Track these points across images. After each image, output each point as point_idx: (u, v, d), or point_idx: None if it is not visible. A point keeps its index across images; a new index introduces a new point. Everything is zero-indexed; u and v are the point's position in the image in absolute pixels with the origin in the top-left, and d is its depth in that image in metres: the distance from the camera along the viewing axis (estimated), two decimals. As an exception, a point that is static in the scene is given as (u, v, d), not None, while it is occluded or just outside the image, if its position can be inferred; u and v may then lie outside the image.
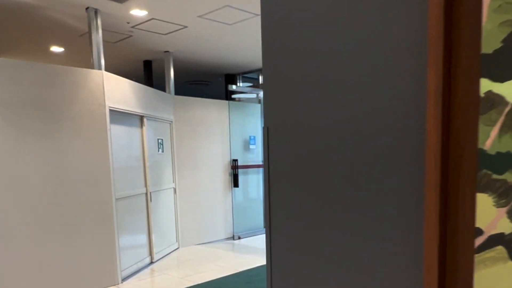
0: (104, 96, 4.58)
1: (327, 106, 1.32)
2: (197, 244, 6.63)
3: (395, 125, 1.16)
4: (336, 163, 1.30)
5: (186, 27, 5.36)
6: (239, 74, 8.22)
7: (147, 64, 7.13)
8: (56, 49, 6.26)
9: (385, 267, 1.19)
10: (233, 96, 7.74)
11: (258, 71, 7.96)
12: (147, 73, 7.19)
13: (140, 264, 5.33)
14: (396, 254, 1.16)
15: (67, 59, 6.76)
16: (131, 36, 5.75)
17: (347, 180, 1.29)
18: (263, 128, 1.52)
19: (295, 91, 1.41)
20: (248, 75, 8.33)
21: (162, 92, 6.26)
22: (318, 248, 1.40)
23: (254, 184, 7.51)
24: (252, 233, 7.24)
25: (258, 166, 7.50)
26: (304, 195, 1.40)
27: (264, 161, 1.53)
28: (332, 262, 1.37)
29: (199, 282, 4.72)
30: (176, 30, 5.52)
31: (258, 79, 8.04)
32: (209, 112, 6.86)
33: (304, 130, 1.37)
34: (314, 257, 1.42)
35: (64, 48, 6.26)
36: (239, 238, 7.02)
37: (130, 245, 5.12)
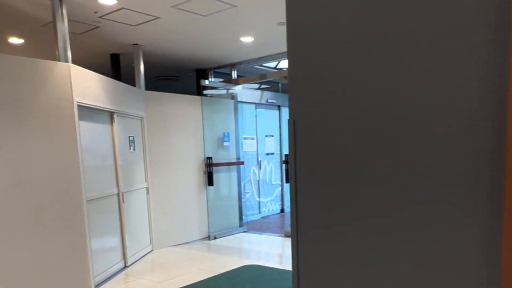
0: (71, 90, 4.25)
1: (372, 99, 1.15)
2: (172, 246, 6.36)
3: (457, 123, 1.03)
4: (383, 162, 1.14)
5: (158, 18, 5.08)
6: (210, 69, 7.97)
7: (115, 57, 6.77)
8: (15, 40, 5.81)
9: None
10: (204, 92, 7.50)
11: (231, 65, 7.74)
12: (115, 67, 6.82)
13: (114, 269, 5.02)
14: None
15: (27, 52, 6.30)
16: (98, 27, 5.40)
17: (398, 183, 1.14)
18: (289, 121, 1.34)
19: (330, 81, 1.24)
20: (220, 70, 8.10)
21: (133, 87, 5.95)
22: (353, 250, 1.25)
23: (229, 182, 7.30)
24: (228, 232, 7.04)
25: (232, 163, 7.30)
26: (338, 195, 1.23)
27: (289, 157, 1.35)
28: (371, 269, 1.22)
29: (179, 287, 4.48)
30: (147, 21, 5.23)
31: (230, 74, 7.82)
32: (182, 108, 6.59)
33: (340, 125, 1.21)
34: (347, 262, 1.26)
35: (24, 40, 5.82)
36: (215, 238, 6.81)
37: (103, 249, 4.80)
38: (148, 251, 6.01)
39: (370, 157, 1.17)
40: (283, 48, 6.74)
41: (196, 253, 5.96)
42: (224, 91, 7.70)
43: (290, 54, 1.35)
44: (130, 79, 6.28)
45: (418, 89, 1.08)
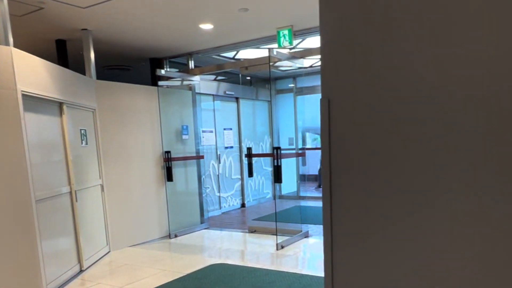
0: (14, 77, 3.77)
1: (432, 74, 0.96)
2: (131, 246, 5.95)
3: None
4: (440, 151, 0.95)
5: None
6: (166, 58, 7.55)
7: (61, 44, 6.19)
8: None
9: None
10: (160, 83, 7.08)
11: (188, 55, 7.37)
12: (61, 55, 6.24)
13: (68, 274, 4.57)
14: None
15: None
16: (42, 8, 4.86)
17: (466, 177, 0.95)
18: (321, 100, 1.12)
19: (373, 55, 1.03)
20: (176, 60, 7.70)
21: (83, 76, 5.46)
22: (394, 245, 1.06)
23: (189, 177, 6.97)
24: (189, 230, 6.72)
25: (192, 157, 6.97)
26: (379, 184, 1.04)
27: (323, 142, 1.13)
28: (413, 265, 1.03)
29: (143, 290, 4.15)
30: (98, 4, 4.77)
31: (187, 65, 7.44)
32: (137, 99, 6.17)
33: (387, 106, 1.00)
34: (388, 256, 1.06)
35: (-45, 22, 5.14)
36: (176, 236, 6.46)
37: (55, 252, 4.34)
38: (105, 253, 5.57)
39: (418, 144, 0.98)
40: (244, 36, 6.53)
41: (157, 253, 5.60)
42: (179, 82, 7.33)
43: (323, 24, 1.13)
44: (78, 69, 5.76)
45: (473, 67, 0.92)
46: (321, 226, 4.98)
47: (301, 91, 9.61)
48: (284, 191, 9.02)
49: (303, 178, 8.98)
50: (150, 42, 6.39)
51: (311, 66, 8.71)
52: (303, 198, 8.33)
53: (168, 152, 6.45)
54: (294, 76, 9.54)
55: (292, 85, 9.79)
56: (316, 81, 9.76)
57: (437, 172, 0.96)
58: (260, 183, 9.24)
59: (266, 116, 9.64)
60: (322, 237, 4.61)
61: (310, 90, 9.58)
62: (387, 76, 1.02)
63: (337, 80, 1.10)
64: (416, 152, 1.00)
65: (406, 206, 1.03)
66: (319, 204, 8.36)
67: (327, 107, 1.13)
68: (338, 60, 1.11)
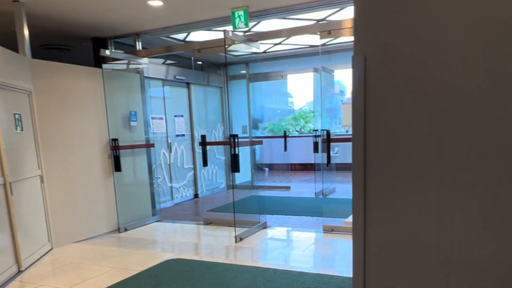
0: None
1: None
2: (76, 242, 5.41)
3: None
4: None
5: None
6: (110, 38, 6.96)
7: (-11, 18, 5.46)
8: None
9: None
10: (104, 65, 6.49)
11: (135, 35, 6.83)
12: (-11, 30, 5.51)
13: (4, 276, 4.01)
14: None
15: None
16: (-35, -28, 4.20)
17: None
18: (353, 57, 0.84)
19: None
20: (122, 40, 7.13)
21: (15, 53, 4.81)
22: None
23: (139, 166, 6.48)
24: (140, 223, 6.25)
25: (141, 146, 6.49)
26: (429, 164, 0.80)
27: (354, 106, 0.86)
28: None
29: (93, 292, 3.71)
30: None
31: (134, 46, 6.91)
32: (79, 82, 5.60)
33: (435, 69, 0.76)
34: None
35: None
36: (126, 230, 5.98)
37: (-14, 255, 3.78)
38: (46, 251, 5.01)
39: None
40: (196, 16, 6.12)
41: (106, 249, 5.13)
42: (126, 65, 6.79)
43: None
44: (10, 47, 5.09)
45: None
46: (280, 216, 4.75)
47: (254, 77, 9.35)
48: (238, 181, 8.76)
49: (257, 167, 8.76)
50: (92, 19, 5.81)
51: (264, 52, 8.47)
52: (258, 187, 8.11)
53: (115, 140, 5.94)
54: (247, 61, 9.25)
55: (245, 71, 9.50)
56: (271, 67, 9.55)
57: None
58: (213, 172, 8.91)
59: (218, 103, 9.28)
60: (281, 227, 4.38)
61: (264, 76, 9.35)
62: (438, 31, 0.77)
63: (377, 33, 0.84)
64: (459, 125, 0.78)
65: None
66: (275, 193, 8.28)
67: (362, 64, 0.86)
68: (377, 10, 0.84)
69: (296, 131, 15.13)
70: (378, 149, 0.88)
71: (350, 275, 3.78)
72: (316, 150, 7.64)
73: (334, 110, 9.63)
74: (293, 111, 19.62)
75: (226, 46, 5.79)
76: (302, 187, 9.02)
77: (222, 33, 6.97)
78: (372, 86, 0.85)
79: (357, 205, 0.97)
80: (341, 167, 10.83)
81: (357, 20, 0.84)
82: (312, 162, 9.63)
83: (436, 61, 0.78)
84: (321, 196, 7.69)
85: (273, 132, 14.90)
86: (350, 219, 2.94)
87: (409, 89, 0.80)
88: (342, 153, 10.89)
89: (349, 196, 5.26)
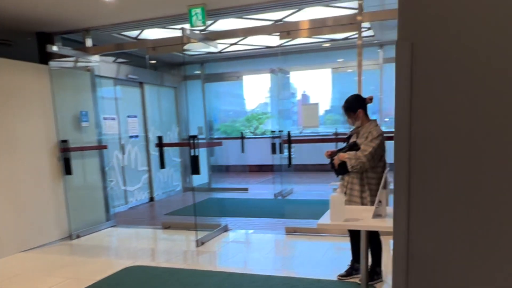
0: None
1: None
2: (22, 252, 5.00)
3: None
4: None
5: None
6: (57, 33, 6.52)
7: None
8: None
9: None
10: (51, 63, 6.06)
11: (85, 31, 6.46)
12: None
13: None
14: None
15: None
16: None
17: None
18: (398, 44, 0.74)
19: None
20: (70, 36, 6.72)
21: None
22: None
23: (91, 169, 6.12)
24: (93, 228, 5.90)
25: (94, 147, 6.14)
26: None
27: (398, 97, 0.76)
28: None
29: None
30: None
31: (84, 42, 6.53)
32: (23, 79, 5.22)
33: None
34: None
35: None
36: (78, 236, 5.62)
37: None
38: (-12, 264, 4.59)
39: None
40: (151, 13, 5.88)
41: (58, 258, 4.77)
42: (73, 63, 6.40)
43: None
44: None
45: None
46: (240, 218, 4.61)
47: (209, 77, 9.19)
48: (195, 183, 8.55)
49: (214, 169, 8.59)
50: (36, 13, 5.40)
51: (220, 52, 8.34)
52: (216, 190, 7.96)
53: (65, 141, 5.57)
54: (202, 61, 9.07)
55: (199, 71, 9.32)
56: (226, 68, 9.44)
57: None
58: (169, 175, 8.62)
59: (172, 104, 9.01)
60: (242, 230, 4.26)
61: (219, 77, 9.22)
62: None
63: (427, 17, 0.76)
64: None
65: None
66: (233, 195, 8.15)
67: (409, 51, 0.77)
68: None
69: (251, 132, 15.11)
70: (425, 149, 0.80)
71: (318, 276, 3.76)
72: (274, 151, 7.62)
73: (289, 111, 9.68)
74: (245, 113, 19.59)
75: (183, 44, 5.62)
76: (260, 189, 8.97)
77: (176, 31, 6.80)
78: (419, 77, 0.76)
79: (400, 209, 0.87)
80: (298, 168, 10.91)
81: (403, 3, 0.75)
82: (268, 163, 9.62)
83: (500, 49, 0.71)
84: (280, 197, 7.68)
85: (226, 134, 14.77)
86: (323, 220, 2.90)
87: (465, 81, 0.72)
88: (299, 154, 10.99)
89: (308, 197, 5.30)
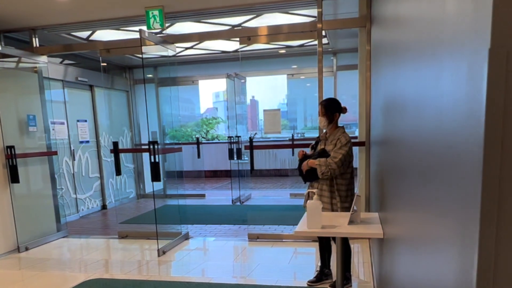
0: None
1: None
2: (-36, 269, 4.57)
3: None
4: None
5: None
6: (0, 32, 6.09)
7: None
8: None
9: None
10: (-8, 61, 5.63)
11: (31, 30, 6.07)
12: None
13: None
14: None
15: None
16: None
17: None
18: (491, 53, 0.66)
19: None
20: (15, 35, 6.29)
21: None
22: None
23: (39, 176, 5.73)
24: (43, 240, 5.52)
25: (43, 154, 5.76)
26: None
27: (487, 121, 0.68)
28: None
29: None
30: None
31: (30, 42, 6.13)
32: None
33: None
34: None
35: None
36: (27, 249, 5.22)
37: None
38: None
39: None
40: (105, 13, 5.65)
41: (5, 273, 4.41)
42: (15, 64, 6.00)
43: None
44: None
45: None
46: (200, 226, 4.56)
47: (163, 81, 8.97)
48: (149, 189, 8.28)
49: (168, 175, 8.36)
50: (-23, 8, 5.01)
51: (175, 56, 8.18)
52: (172, 196, 7.76)
53: (11, 147, 5.19)
54: (155, 65, 8.84)
55: (152, 75, 9.07)
56: (181, 72, 9.26)
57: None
58: (122, 181, 8.29)
59: (124, 108, 8.69)
60: (204, 238, 4.19)
61: (173, 81, 9.02)
62: None
63: None
64: None
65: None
66: (191, 202, 7.95)
67: (504, 62, 0.68)
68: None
69: (203, 137, 14.95)
70: None
71: (289, 283, 3.75)
72: (231, 157, 7.57)
73: (243, 116, 9.68)
74: (195, 118, 19.37)
75: (141, 47, 5.44)
76: (217, 195, 8.86)
77: (130, 33, 6.58)
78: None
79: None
80: (254, 174, 10.92)
81: (497, 4, 0.68)
82: (223, 168, 9.55)
83: None
84: (238, 203, 7.62)
85: (175, 139, 14.49)
86: (300, 228, 2.90)
87: None
88: (254, 159, 11.00)
89: (266, 202, 5.31)
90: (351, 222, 2.93)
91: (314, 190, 3.01)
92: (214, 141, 13.96)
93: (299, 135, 12.65)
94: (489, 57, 0.68)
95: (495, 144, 0.69)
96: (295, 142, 8.04)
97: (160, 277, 4.14)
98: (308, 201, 2.87)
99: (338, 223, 2.95)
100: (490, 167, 0.70)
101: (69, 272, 4.42)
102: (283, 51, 8.23)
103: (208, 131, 15.44)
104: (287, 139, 8.97)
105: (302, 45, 7.79)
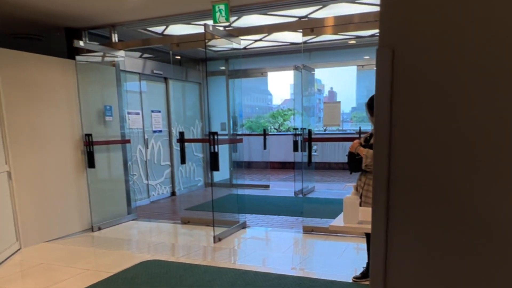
0: None
1: None
2: (47, 242, 5.15)
3: None
4: None
5: None
6: (84, 29, 6.66)
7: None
8: None
9: None
10: (78, 57, 6.19)
11: (111, 26, 6.56)
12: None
13: (-35, 282, 3.75)
14: None
15: None
16: None
17: None
18: (378, 51, 0.68)
19: None
20: (97, 32, 6.85)
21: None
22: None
23: (113, 163, 6.24)
24: (114, 221, 6.02)
25: (117, 142, 6.25)
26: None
27: (378, 113, 0.69)
28: None
29: (64, 296, 3.50)
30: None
31: (110, 38, 6.64)
32: (51, 74, 5.35)
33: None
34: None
35: None
36: (99, 229, 5.75)
37: None
38: (14, 251, 4.74)
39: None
40: (175, 9, 5.91)
41: (78, 249, 4.90)
42: (100, 58, 6.53)
43: None
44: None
45: None
46: (259, 216, 4.56)
47: (234, 74, 9.19)
48: (216, 179, 8.59)
49: (235, 165, 8.60)
50: (66, 8, 5.52)
51: (245, 48, 8.32)
52: (237, 186, 7.96)
53: (89, 135, 5.70)
54: (226, 57, 9.07)
55: (224, 67, 9.33)
56: (251, 64, 9.41)
57: None
58: (191, 170, 8.71)
59: (196, 99, 9.08)
60: (260, 227, 4.21)
61: (243, 73, 9.19)
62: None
63: (409, 21, 0.71)
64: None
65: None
66: (255, 192, 8.14)
67: (389, 58, 0.73)
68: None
69: (275, 129, 15.07)
70: (406, 159, 0.74)
71: (332, 278, 3.70)
72: (296, 149, 7.56)
73: (313, 108, 9.59)
74: (271, 109, 19.55)
75: (206, 41, 5.62)
76: (281, 186, 8.94)
77: (201, 27, 6.81)
78: (401, 87, 0.71)
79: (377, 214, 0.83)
80: (320, 166, 10.81)
81: (384, 4, 0.71)
82: (291, 160, 9.57)
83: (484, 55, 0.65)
84: (300, 196, 7.62)
85: (251, 130, 14.78)
86: (336, 222, 2.85)
87: (446, 89, 0.67)
88: (321, 152, 10.88)
89: (329, 195, 5.20)
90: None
91: (353, 185, 2.92)
92: (283, 133, 14.00)
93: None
94: (376, 56, 0.68)
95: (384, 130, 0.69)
96: (363, 136, 7.79)
97: (211, 263, 4.31)
98: (346, 196, 2.80)
99: (378, 222, 2.84)
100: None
101: (132, 252, 4.79)
102: (353, 41, 7.97)
103: (282, 122, 15.52)
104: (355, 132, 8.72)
105: (373, 35, 7.49)
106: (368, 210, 3.12)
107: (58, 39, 6.80)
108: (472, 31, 0.64)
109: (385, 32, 0.70)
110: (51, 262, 4.42)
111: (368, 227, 2.82)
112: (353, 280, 3.70)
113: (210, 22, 5.62)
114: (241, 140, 6.92)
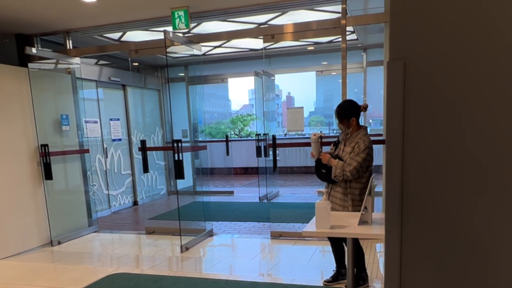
0: None
1: None
2: (2, 259, 4.87)
3: None
4: None
5: None
6: (37, 35, 6.39)
7: None
8: None
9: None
10: (30, 65, 5.91)
11: (65, 33, 6.33)
12: None
13: None
14: None
15: None
16: None
17: None
18: (390, 64, 0.68)
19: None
20: (50, 38, 6.59)
21: None
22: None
23: (72, 174, 6.00)
24: (75, 234, 5.78)
25: (76, 152, 6.02)
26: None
27: (389, 124, 0.71)
28: None
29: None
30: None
31: (64, 44, 6.40)
32: (1, 82, 5.09)
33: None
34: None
35: None
36: (59, 243, 5.50)
37: None
38: (-36, 273, 4.45)
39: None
40: (133, 15, 5.80)
41: (38, 266, 4.66)
42: (54, 65, 6.28)
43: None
44: None
45: None
46: (225, 223, 4.58)
47: (193, 80, 9.12)
48: (179, 186, 8.45)
49: (198, 172, 8.50)
50: (16, 14, 5.28)
51: (204, 54, 8.28)
52: (201, 193, 7.87)
53: (45, 146, 5.45)
54: (186, 64, 8.99)
55: (183, 74, 9.24)
56: (211, 70, 9.38)
57: None
58: (153, 178, 8.52)
59: (156, 106, 8.92)
60: (228, 235, 4.22)
61: (203, 79, 9.14)
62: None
63: (420, 34, 0.72)
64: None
65: None
66: (219, 198, 8.08)
67: (401, 72, 0.73)
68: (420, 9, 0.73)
69: (236, 134, 15.07)
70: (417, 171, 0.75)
71: (304, 282, 3.74)
72: (259, 154, 7.59)
73: (273, 113, 9.66)
74: (230, 114, 19.55)
75: (167, 47, 5.55)
76: (246, 192, 8.93)
77: (160, 33, 6.70)
78: (412, 100, 0.72)
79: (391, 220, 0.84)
80: (282, 171, 10.90)
81: (393, 12, 0.72)
82: (254, 166, 9.59)
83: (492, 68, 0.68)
84: (265, 201, 7.65)
85: (211, 136, 14.70)
86: (308, 228, 2.89)
87: (457, 102, 0.69)
88: (283, 156, 10.99)
89: (294, 200, 5.25)
90: (362, 222, 2.88)
91: (324, 190, 2.97)
92: (244, 138, 14.03)
93: (335, 131, 12.48)
94: (387, 69, 0.69)
95: (396, 144, 0.70)
96: (325, 140, 7.94)
97: (180, 273, 4.24)
98: (317, 201, 2.84)
99: (348, 224, 2.90)
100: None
101: (96, 266, 4.61)
102: (311, 47, 8.14)
103: (242, 128, 15.54)
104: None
105: (331, 41, 7.68)
106: (338, 214, 3.19)
107: (8, 46, 6.47)
108: (484, 39, 0.67)
109: (396, 45, 0.71)
110: (9, 281, 4.18)
111: (340, 232, 2.88)
112: (324, 284, 3.74)
113: (169, 28, 5.54)
114: (205, 147, 6.86)
